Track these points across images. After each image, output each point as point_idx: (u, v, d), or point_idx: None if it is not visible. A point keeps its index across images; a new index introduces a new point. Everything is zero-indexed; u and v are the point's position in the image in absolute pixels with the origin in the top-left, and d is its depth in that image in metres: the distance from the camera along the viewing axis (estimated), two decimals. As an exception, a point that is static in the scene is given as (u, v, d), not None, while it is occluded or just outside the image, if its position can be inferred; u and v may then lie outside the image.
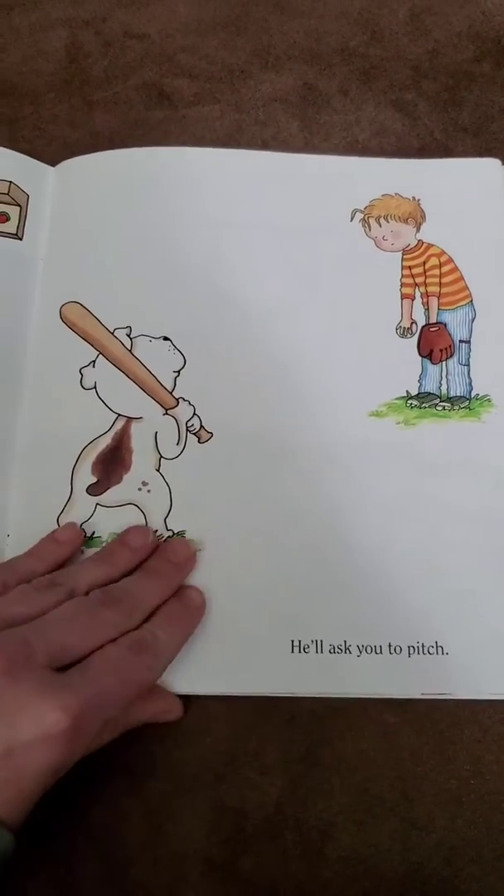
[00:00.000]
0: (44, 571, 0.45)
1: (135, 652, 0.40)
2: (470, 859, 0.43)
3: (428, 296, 0.53)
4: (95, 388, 0.51)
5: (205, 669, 0.45)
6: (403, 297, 0.53)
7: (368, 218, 0.55)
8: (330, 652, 0.45)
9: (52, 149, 0.58)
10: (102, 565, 0.45)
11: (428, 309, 0.53)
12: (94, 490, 0.49)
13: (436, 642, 0.46)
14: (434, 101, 0.60)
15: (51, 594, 0.42)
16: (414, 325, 0.53)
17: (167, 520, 0.48)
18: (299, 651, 0.45)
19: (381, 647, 0.46)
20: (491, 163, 0.57)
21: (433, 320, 0.53)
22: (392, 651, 0.45)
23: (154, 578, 0.45)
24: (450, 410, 0.51)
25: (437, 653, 0.45)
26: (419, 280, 0.54)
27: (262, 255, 0.54)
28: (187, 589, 0.46)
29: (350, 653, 0.45)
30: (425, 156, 0.58)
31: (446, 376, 0.51)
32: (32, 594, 0.42)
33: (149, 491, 0.49)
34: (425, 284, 0.53)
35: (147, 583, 0.44)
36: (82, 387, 0.50)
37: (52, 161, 0.56)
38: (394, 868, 0.43)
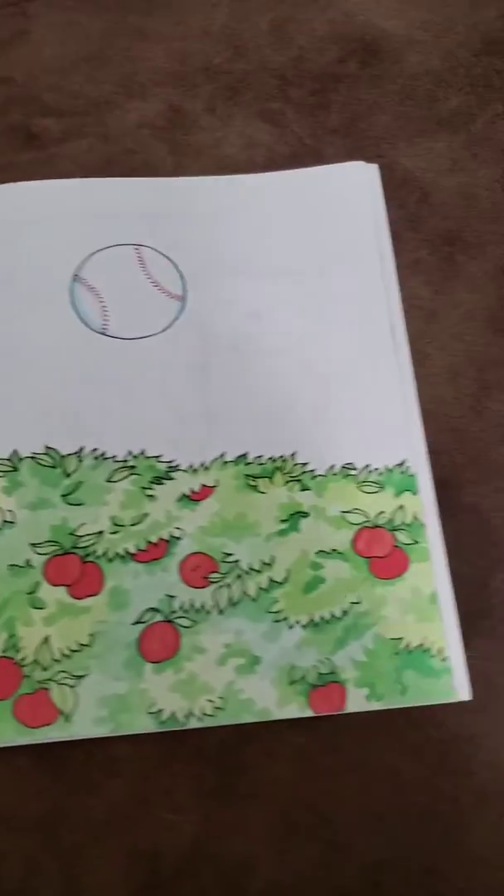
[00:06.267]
0: None
1: None
2: (398, 878, 0.42)
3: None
4: None
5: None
6: None
7: None
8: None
9: None
10: None
11: None
12: None
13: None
14: (301, 107, 0.59)
15: None
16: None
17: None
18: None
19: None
20: (356, 166, 0.57)
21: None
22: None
23: None
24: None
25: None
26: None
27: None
28: None
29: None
30: (296, 163, 0.57)
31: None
32: None
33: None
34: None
35: None
36: None
37: None
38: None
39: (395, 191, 0.57)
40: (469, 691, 0.45)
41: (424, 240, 0.56)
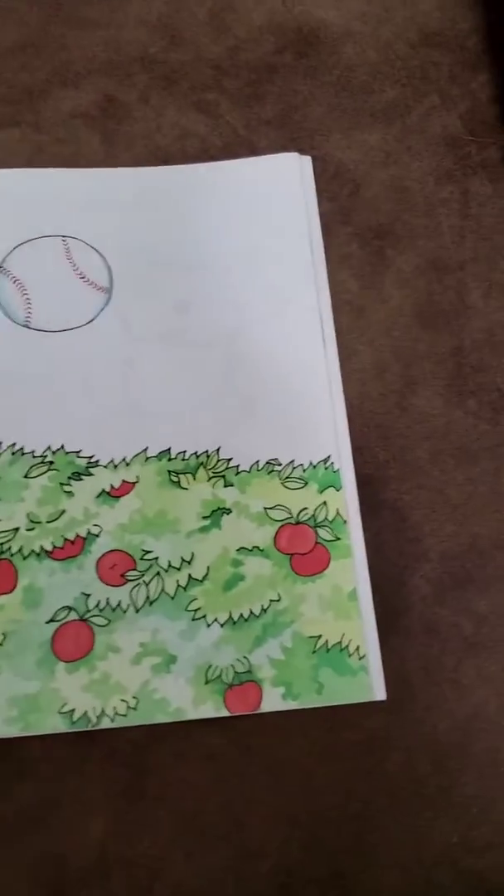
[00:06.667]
0: None
1: None
2: (308, 882, 0.41)
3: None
4: None
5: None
6: None
7: None
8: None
9: None
10: None
11: None
12: None
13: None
14: (236, 98, 0.58)
15: None
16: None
17: None
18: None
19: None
20: (289, 157, 0.56)
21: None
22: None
23: None
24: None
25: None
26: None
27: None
28: None
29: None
30: (230, 154, 0.56)
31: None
32: None
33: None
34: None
35: None
36: None
37: None
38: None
39: (328, 183, 0.56)
40: (384, 691, 0.44)
41: (355, 233, 0.55)
